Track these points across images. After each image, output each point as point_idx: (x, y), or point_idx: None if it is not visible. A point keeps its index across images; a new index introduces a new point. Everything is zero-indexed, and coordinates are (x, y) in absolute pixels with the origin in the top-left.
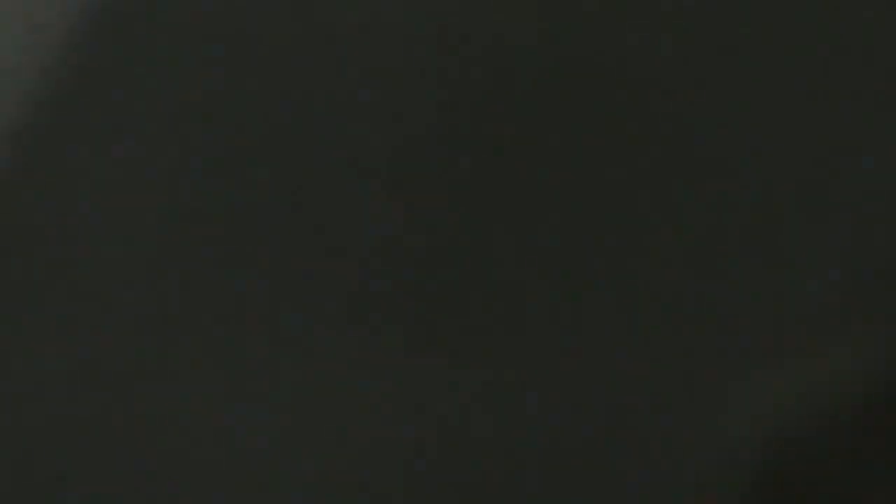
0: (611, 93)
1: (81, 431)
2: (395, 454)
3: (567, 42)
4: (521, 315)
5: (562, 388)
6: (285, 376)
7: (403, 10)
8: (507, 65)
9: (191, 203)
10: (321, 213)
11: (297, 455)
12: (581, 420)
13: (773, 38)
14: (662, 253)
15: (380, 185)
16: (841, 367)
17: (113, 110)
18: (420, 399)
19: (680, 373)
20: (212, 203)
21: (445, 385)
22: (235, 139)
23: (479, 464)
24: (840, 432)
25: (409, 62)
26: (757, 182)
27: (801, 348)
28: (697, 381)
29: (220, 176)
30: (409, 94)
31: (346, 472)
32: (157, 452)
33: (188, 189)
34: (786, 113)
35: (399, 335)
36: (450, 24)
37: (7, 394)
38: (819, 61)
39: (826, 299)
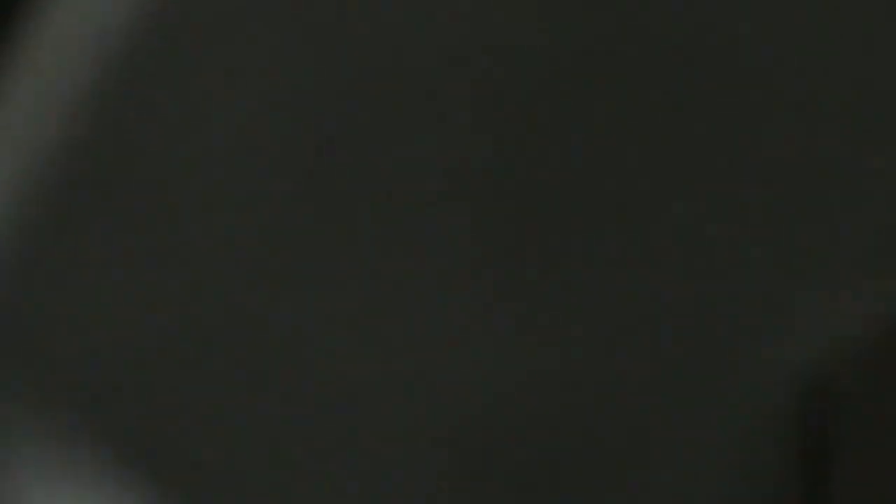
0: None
1: (186, 361)
2: (478, 383)
3: (574, 41)
4: (579, 258)
5: (620, 325)
6: (383, 309)
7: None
8: (520, 64)
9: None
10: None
11: (397, 382)
12: (640, 351)
13: (773, 34)
14: (707, 201)
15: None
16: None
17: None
18: (500, 333)
19: (730, 306)
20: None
21: (523, 322)
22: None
23: (550, 395)
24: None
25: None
26: (793, 143)
27: (847, 282)
28: (747, 311)
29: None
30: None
31: (440, 398)
32: (263, 376)
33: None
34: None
35: (484, 281)
36: (462, 27)
37: (117, 321)
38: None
39: (862, 241)
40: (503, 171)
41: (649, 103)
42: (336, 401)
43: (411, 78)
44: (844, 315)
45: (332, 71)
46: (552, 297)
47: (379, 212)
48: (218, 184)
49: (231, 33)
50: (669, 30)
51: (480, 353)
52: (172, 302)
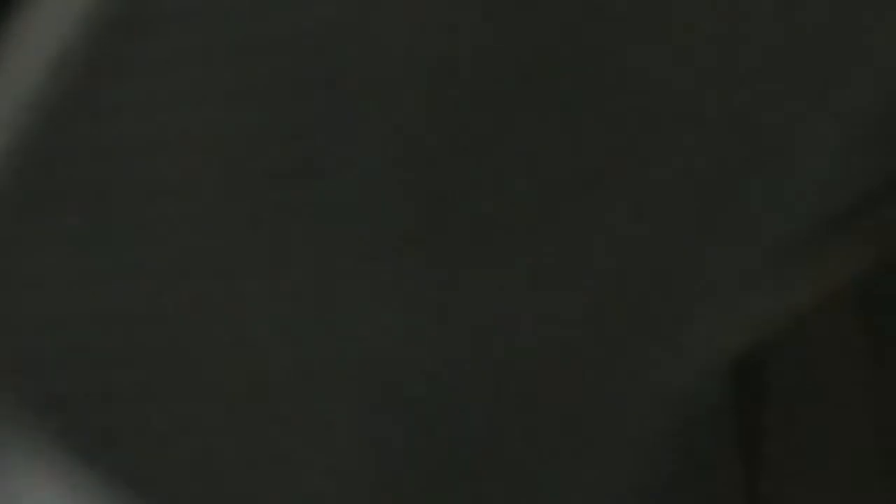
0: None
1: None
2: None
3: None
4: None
5: (546, 313)
6: (320, 296)
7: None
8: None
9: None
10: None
11: (330, 362)
12: (568, 340)
13: (688, 59)
14: (641, 192)
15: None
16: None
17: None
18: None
19: (659, 293)
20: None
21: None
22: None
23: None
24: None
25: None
26: (724, 132)
27: (768, 272)
28: (673, 299)
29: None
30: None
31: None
32: (192, 364)
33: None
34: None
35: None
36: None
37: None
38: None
39: (785, 234)
40: (438, 167)
41: (574, 109)
42: (269, 384)
43: (355, 76)
44: (768, 303)
45: (277, 68)
46: (479, 280)
47: (312, 206)
48: (155, 177)
49: (176, 27)
50: (600, 42)
51: (407, 333)
52: (108, 291)
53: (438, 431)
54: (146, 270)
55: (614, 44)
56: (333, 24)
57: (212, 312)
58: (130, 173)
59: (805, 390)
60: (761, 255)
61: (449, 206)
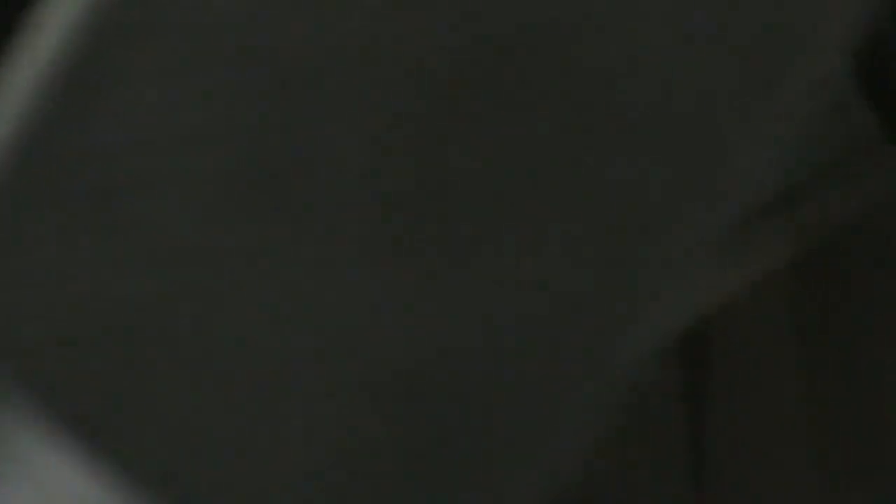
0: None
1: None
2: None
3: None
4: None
5: (508, 302)
6: (309, 287)
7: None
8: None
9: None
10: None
11: (316, 351)
12: (538, 323)
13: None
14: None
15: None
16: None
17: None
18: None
19: (609, 282)
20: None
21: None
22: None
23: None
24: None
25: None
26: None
27: (703, 263)
28: (621, 288)
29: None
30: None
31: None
32: (191, 355)
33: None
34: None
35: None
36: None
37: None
38: None
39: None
40: (412, 162)
41: (531, 108)
42: (259, 371)
43: (338, 78)
44: (708, 285)
45: (269, 73)
46: (449, 275)
47: (297, 199)
48: (152, 176)
49: (175, 35)
50: (556, 40)
51: (388, 323)
52: (107, 283)
53: (414, 419)
54: (144, 263)
55: (569, 41)
56: (316, 31)
57: (207, 302)
58: (129, 172)
59: (740, 360)
60: (703, 244)
61: (422, 202)
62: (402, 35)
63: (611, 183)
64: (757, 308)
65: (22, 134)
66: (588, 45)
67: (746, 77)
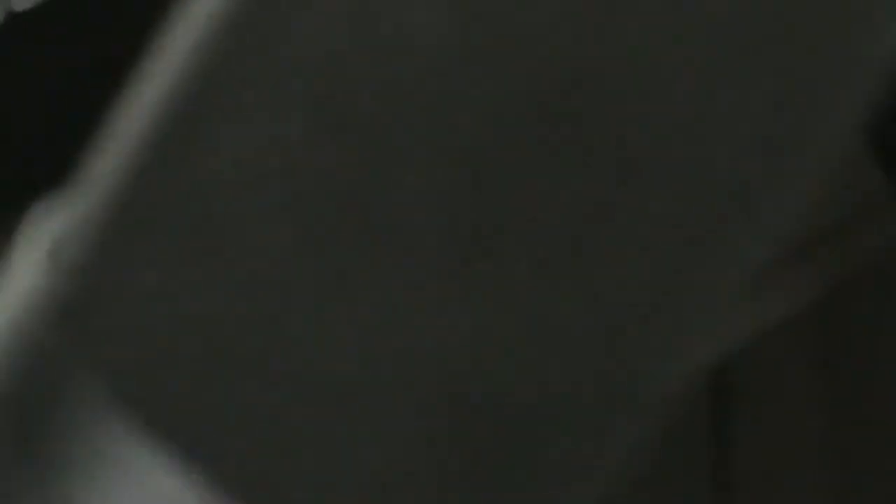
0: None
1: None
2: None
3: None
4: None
5: (555, 324)
6: (388, 301)
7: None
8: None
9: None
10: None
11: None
12: (585, 347)
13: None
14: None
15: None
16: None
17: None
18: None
19: (650, 312)
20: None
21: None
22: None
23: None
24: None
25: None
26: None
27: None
28: (661, 323)
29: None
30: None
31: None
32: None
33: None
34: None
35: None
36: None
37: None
38: None
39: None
40: (476, 196)
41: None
42: (342, 383)
43: (412, 114)
44: (739, 321)
45: (349, 113)
46: (504, 289)
47: (375, 230)
48: (243, 208)
49: (268, 81)
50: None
51: (452, 332)
52: (201, 304)
53: (460, 440)
54: (239, 288)
55: (615, 96)
56: (388, 78)
57: (292, 320)
58: (222, 204)
59: (767, 392)
60: (735, 285)
61: (481, 235)
62: (470, 81)
63: (653, 225)
64: (781, 345)
65: (136, 161)
66: (631, 100)
67: (772, 137)
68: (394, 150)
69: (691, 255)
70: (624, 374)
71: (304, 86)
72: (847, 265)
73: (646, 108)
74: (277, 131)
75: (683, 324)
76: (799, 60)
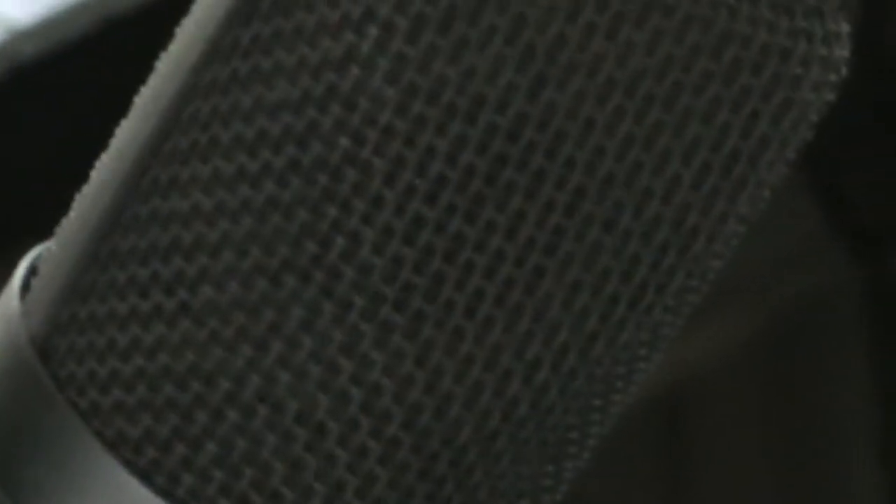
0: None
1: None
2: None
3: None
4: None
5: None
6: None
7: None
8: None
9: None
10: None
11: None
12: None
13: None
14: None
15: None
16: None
17: None
18: None
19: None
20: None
21: None
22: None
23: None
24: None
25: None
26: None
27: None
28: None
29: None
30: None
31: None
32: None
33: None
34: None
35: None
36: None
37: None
38: None
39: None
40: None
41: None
42: (320, 426)
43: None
44: (684, 354)
45: (323, 152)
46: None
47: (340, 265)
48: (217, 238)
49: (246, 120)
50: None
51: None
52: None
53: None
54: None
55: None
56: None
57: (261, 360)
58: (197, 236)
59: (710, 429)
60: (677, 316)
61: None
62: (435, 122)
63: (606, 258)
64: (725, 380)
65: (118, 204)
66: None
67: (714, 179)
68: (359, 184)
69: (636, 281)
70: (587, 406)
71: (271, 125)
72: (785, 306)
73: (586, 153)
74: (246, 167)
75: (630, 349)
76: (735, 100)
